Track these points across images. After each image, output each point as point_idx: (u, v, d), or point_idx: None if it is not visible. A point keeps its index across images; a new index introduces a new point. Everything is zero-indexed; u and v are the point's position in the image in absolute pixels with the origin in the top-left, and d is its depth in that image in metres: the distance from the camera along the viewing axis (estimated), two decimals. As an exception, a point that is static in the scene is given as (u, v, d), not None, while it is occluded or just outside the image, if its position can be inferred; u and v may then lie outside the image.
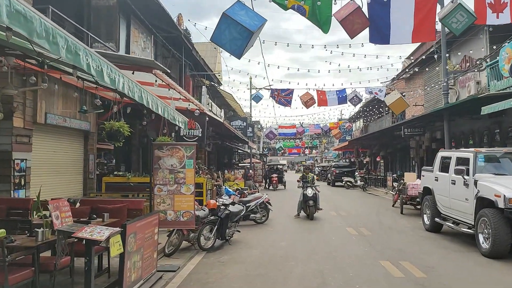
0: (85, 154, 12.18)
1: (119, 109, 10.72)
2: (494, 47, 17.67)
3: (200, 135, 13.37)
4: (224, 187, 13.71)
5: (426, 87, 22.78)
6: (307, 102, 17.92)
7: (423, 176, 11.62)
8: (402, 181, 17.47)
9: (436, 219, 10.36)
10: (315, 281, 6.40)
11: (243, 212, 10.13)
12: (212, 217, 9.03)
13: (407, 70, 26.13)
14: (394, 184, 21.97)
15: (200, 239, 8.58)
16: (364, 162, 45.98)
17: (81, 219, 6.14)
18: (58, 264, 4.76)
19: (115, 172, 13.75)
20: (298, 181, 14.41)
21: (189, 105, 11.30)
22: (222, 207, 9.24)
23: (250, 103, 39.80)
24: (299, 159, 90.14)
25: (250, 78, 38.78)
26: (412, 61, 25.96)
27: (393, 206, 17.22)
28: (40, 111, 9.53)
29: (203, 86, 20.99)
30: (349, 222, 12.61)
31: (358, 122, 43.08)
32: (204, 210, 9.16)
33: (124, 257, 5.18)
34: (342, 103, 18.50)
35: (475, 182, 8.50)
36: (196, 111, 12.22)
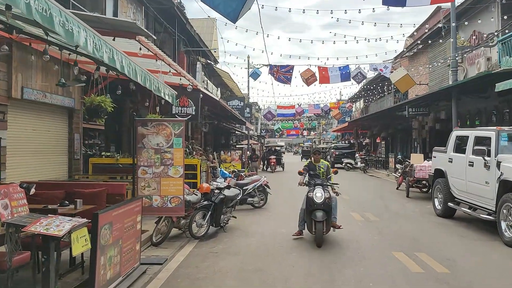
0: (70, 133, 11.25)
1: (105, 85, 9.78)
2: (506, 17, 16.64)
3: (193, 113, 12.41)
4: (219, 169, 12.84)
5: (432, 64, 21.74)
6: (308, 79, 16.90)
7: (435, 157, 10.75)
8: (407, 162, 16.64)
9: (449, 203, 9.53)
10: (320, 278, 5.56)
11: (240, 196, 9.28)
12: (205, 202, 8.17)
13: (412, 47, 25.07)
14: (397, 166, 21.17)
15: (191, 226, 7.74)
16: (364, 143, 45.18)
17: (49, 207, 5.24)
18: (12, 262, 3.89)
19: (103, 153, 12.84)
20: (300, 173, 8.55)
21: (180, 79, 10.32)
22: (216, 191, 8.37)
23: (248, 83, 38.67)
24: (297, 140, 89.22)
25: (248, 56, 37.53)
26: (415, 34, 24.86)
27: (397, 189, 16.42)
28: (15, 85, 8.58)
29: (198, 63, 19.90)
30: (352, 207, 11.80)
31: (358, 102, 42.06)
32: (197, 195, 8.29)
33: (96, 253, 4.31)
34: (345, 80, 17.50)
35: (498, 164, 7.63)
36: (189, 86, 11.23)
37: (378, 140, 41.45)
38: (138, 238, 5.80)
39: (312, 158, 8.43)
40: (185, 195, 7.70)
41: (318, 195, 7.48)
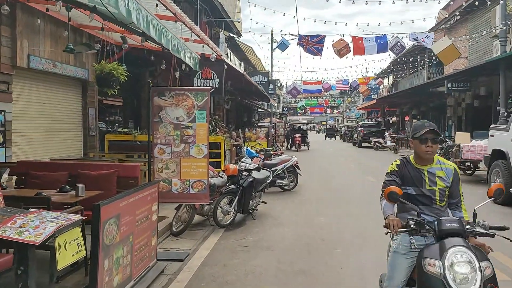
0: (84, 108, 10.39)
1: (120, 56, 8.74)
2: None
3: (217, 86, 11.29)
4: (245, 147, 11.78)
5: (474, 35, 19.92)
6: (341, 50, 15.50)
7: (492, 136, 9.39)
8: (449, 142, 15.23)
9: (511, 189, 8.23)
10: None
11: (270, 179, 8.19)
12: (232, 186, 7.12)
13: (450, 18, 23.11)
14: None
15: (216, 213, 6.72)
16: (391, 122, 43.38)
17: (43, 194, 4.25)
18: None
19: (120, 129, 11.94)
20: (385, 197, 3.02)
21: (203, 47, 9.16)
22: (244, 173, 7.30)
23: (271, 59, 37.34)
24: (319, 119, 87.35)
25: (272, 30, 36.00)
26: (451, 4, 22.84)
27: (437, 170, 15.07)
28: (20, 52, 7.68)
29: (221, 33, 18.65)
30: (394, 191, 10.58)
31: (387, 79, 40.14)
32: (222, 177, 7.24)
33: (98, 258, 3.31)
34: (382, 51, 15.98)
35: None
36: (213, 56, 10.06)
37: (406, 119, 39.66)
38: (154, 230, 4.80)
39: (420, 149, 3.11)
40: (209, 178, 6.66)
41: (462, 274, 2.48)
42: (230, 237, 6.36)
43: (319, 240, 6.15)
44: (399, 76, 37.09)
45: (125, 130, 11.78)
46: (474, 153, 11.83)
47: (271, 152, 11.76)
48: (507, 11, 15.16)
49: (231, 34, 27.46)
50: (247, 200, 7.23)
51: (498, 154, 8.91)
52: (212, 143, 11.75)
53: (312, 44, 15.69)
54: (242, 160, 10.06)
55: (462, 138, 13.17)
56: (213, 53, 10.02)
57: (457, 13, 23.05)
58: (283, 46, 16.72)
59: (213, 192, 6.69)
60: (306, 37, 15.78)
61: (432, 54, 28.20)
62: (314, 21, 33.53)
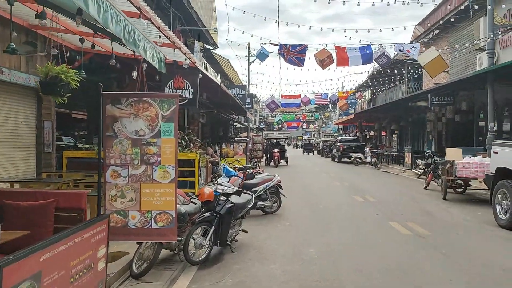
0: (39, 121, 9.09)
1: (80, 62, 7.59)
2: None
3: (191, 96, 10.13)
4: (222, 165, 10.62)
5: (458, 47, 19.46)
6: (324, 61, 14.62)
7: (496, 153, 8.52)
8: (438, 159, 14.44)
9: (523, 213, 7.35)
10: None
11: (252, 204, 7.03)
12: (207, 214, 5.93)
13: (429, 31, 22.71)
14: (418, 162, 19.00)
15: (188, 247, 5.51)
16: (368, 136, 42.97)
17: None
18: None
19: (80, 145, 10.62)
20: None
21: (174, 51, 8.02)
22: (221, 198, 6.13)
23: (248, 72, 36.38)
24: (296, 133, 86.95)
25: (248, 44, 35.17)
26: (424, 22, 22.48)
27: (425, 188, 14.25)
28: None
29: (196, 41, 17.56)
30: (387, 213, 9.58)
31: (365, 93, 39.80)
32: (195, 203, 6.04)
33: None
34: (367, 62, 15.20)
35: None
36: (186, 62, 8.94)
37: (383, 134, 39.28)
38: (101, 283, 3.56)
39: None
40: (179, 205, 5.47)
41: None
42: (205, 278, 5.16)
43: (313, 283, 5.00)
44: (377, 90, 36.75)
45: (87, 146, 10.44)
46: (469, 170, 11.00)
47: (251, 170, 10.63)
48: (494, 21, 14.63)
49: (207, 46, 26.44)
50: (225, 230, 6.05)
51: (504, 173, 8.04)
52: (186, 160, 10.55)
53: (293, 54, 14.76)
54: (218, 181, 8.90)
55: (453, 155, 12.36)
56: (186, 59, 8.90)
57: (435, 28, 22.76)
58: (262, 56, 15.76)
59: (183, 222, 5.49)
60: (287, 47, 14.85)
61: (410, 68, 27.98)
62: (298, 26, 32.95)
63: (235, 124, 41.67)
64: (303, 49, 14.78)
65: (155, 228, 4.42)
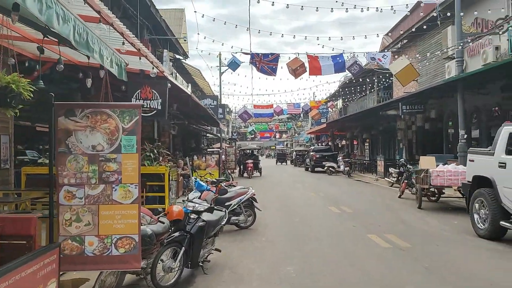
0: (-6, 135, 8.43)
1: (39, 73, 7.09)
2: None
3: (159, 107, 9.66)
4: (193, 178, 10.16)
5: (425, 57, 19.74)
6: (296, 70, 14.43)
7: (472, 161, 8.43)
8: (411, 167, 14.42)
9: (502, 222, 7.22)
10: None
11: (225, 220, 6.61)
12: (176, 234, 5.49)
13: (398, 41, 23.05)
14: (391, 170, 19.03)
15: (155, 270, 5.04)
16: (340, 146, 43.25)
17: None
18: None
19: (40, 160, 9.92)
20: None
21: (140, 59, 7.57)
22: (192, 216, 5.70)
23: (220, 83, 36.02)
24: (269, 143, 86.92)
25: (220, 54, 34.82)
26: (390, 34, 22.84)
27: (400, 197, 14.17)
28: None
29: (165, 51, 17.08)
30: (364, 225, 9.34)
31: (336, 102, 40.09)
32: (163, 222, 5.59)
33: None
34: (339, 71, 15.10)
35: None
36: (153, 71, 8.50)
37: (355, 143, 39.60)
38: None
39: None
40: (145, 225, 5.02)
41: None
42: (174, 305, 4.71)
43: (294, 307, 4.63)
44: (348, 99, 37.06)
45: (47, 161, 9.78)
46: (443, 178, 10.94)
47: (224, 183, 10.21)
48: (463, 30, 14.83)
49: (178, 56, 25.97)
50: (197, 250, 5.61)
51: (481, 182, 7.93)
52: (155, 174, 10.05)
53: (265, 63, 14.51)
54: (189, 197, 8.46)
55: (427, 163, 12.31)
56: (153, 68, 8.45)
57: (404, 38, 23.10)
58: (234, 65, 15.44)
59: (150, 245, 5.02)
60: (259, 56, 14.59)
61: (381, 77, 28.32)
62: (270, 34, 32.77)
63: (208, 135, 41.14)
64: (275, 58, 14.56)
65: (116, 255, 3.93)
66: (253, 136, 62.48)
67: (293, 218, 10.45)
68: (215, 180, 9.80)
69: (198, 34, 55.41)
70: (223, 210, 6.61)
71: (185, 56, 25.62)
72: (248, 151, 29.98)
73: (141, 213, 4.89)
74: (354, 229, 8.91)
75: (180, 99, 14.69)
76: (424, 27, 19.51)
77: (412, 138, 24.69)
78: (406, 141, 25.33)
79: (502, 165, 7.28)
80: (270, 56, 14.53)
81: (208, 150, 32.72)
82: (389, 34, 29.82)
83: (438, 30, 19.04)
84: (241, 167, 27.36)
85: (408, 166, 14.57)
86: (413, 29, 20.94)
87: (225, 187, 10.60)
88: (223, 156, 24.94)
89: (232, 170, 28.78)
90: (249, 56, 14.84)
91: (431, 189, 12.08)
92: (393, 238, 7.86)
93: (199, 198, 8.59)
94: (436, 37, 19.89)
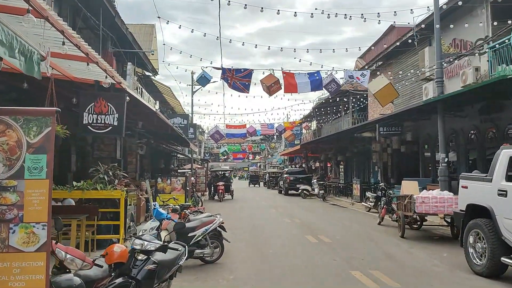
0: None
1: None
2: (496, 23, 14.46)
3: (115, 123, 8.48)
4: (153, 204, 8.95)
5: (401, 79, 19.32)
6: (271, 87, 13.53)
7: (465, 187, 7.59)
8: (392, 192, 13.63)
9: (503, 258, 6.34)
10: None
11: (184, 258, 5.45)
12: (119, 280, 4.30)
13: (372, 63, 22.69)
14: (368, 195, 18.23)
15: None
16: (313, 167, 42.58)
17: None
18: None
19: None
20: None
21: (88, 65, 6.45)
22: (140, 257, 4.54)
23: (192, 102, 34.89)
24: (242, 165, 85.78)
25: (192, 73, 33.82)
26: (364, 57, 22.54)
27: (379, 224, 13.29)
28: None
29: (129, 63, 15.91)
30: (345, 258, 8.31)
31: (311, 123, 39.57)
32: (101, 266, 4.39)
33: None
34: (316, 89, 14.26)
35: None
36: (106, 81, 7.38)
37: (328, 165, 38.99)
38: None
39: None
40: (73, 271, 3.83)
41: None
42: None
43: None
44: (323, 121, 36.59)
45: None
46: (428, 206, 10.08)
47: (188, 210, 9.06)
48: (442, 50, 14.36)
49: (147, 73, 24.82)
50: (145, 300, 4.43)
51: (476, 211, 7.08)
52: (109, 199, 8.80)
53: (237, 79, 13.56)
54: (145, 228, 7.31)
55: (409, 188, 11.51)
56: (106, 77, 7.33)
57: (379, 59, 22.78)
58: (203, 80, 14.40)
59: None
60: (231, 71, 13.64)
61: (356, 98, 27.93)
62: (243, 44, 31.88)
63: (179, 155, 39.70)
64: (248, 73, 13.63)
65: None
66: (225, 157, 61.23)
67: (267, 249, 9.34)
68: (177, 207, 8.62)
69: (164, 44, 54.33)
70: (182, 245, 5.43)
71: (155, 72, 24.47)
72: (219, 172, 28.73)
73: (69, 256, 3.72)
74: (335, 263, 7.87)
75: (146, 116, 13.54)
76: (399, 47, 19.20)
77: (387, 161, 24.16)
78: (381, 164, 24.77)
79: (502, 193, 6.44)
80: (242, 71, 13.62)
81: (179, 171, 31.36)
82: (363, 57, 29.65)
83: (415, 51, 18.69)
84: (212, 189, 26.09)
85: (388, 191, 13.74)
86: (388, 50, 20.62)
87: (191, 213, 9.47)
88: (192, 178, 23.67)
89: (202, 193, 27.48)
90: (220, 71, 13.88)
91: (413, 216, 11.25)
92: (380, 275, 6.85)
93: (157, 229, 7.42)
94: (412, 58, 19.53)
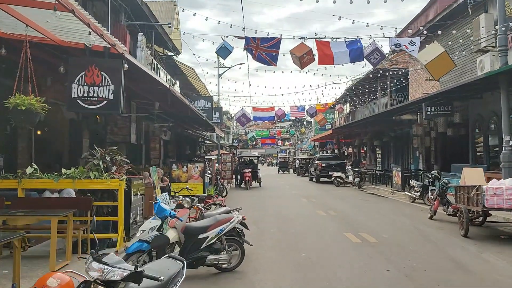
0: None
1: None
2: None
3: (110, 97, 6.87)
4: (161, 195, 7.35)
5: (453, 53, 16.88)
6: (303, 58, 11.59)
7: None
8: (446, 181, 11.58)
9: None
10: None
11: (178, 283, 3.76)
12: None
13: (422, 32, 20.22)
14: (412, 183, 16.15)
15: None
16: (346, 154, 40.36)
17: None
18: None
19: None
20: None
21: (54, 9, 4.79)
22: (98, 289, 2.87)
23: (218, 84, 33.19)
24: (270, 151, 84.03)
25: (218, 55, 32.03)
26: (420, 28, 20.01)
27: (431, 218, 11.29)
28: None
29: (140, 34, 14.28)
30: (401, 267, 6.46)
31: (345, 106, 37.24)
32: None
33: None
34: (355, 60, 12.17)
35: None
36: (90, 40, 5.74)
37: (362, 151, 36.71)
38: None
39: None
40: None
41: None
42: None
43: None
44: (356, 103, 34.27)
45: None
46: (502, 199, 8.05)
47: (201, 205, 7.40)
48: (506, 13, 12.02)
49: (169, 53, 23.26)
50: None
51: None
52: (105, 191, 7.23)
53: (263, 49, 11.69)
54: (138, 233, 5.73)
55: (473, 177, 9.44)
56: (90, 33, 5.68)
57: (424, 30, 20.32)
58: (224, 51, 12.60)
59: None
60: (256, 40, 11.77)
61: (394, 77, 25.52)
62: (268, 34, 29.98)
63: (206, 141, 38.32)
64: (276, 43, 11.70)
65: None
66: (254, 143, 59.55)
67: (299, 252, 7.57)
68: (186, 200, 6.96)
69: (195, 55, 52.64)
70: (172, 267, 3.70)
71: (176, 52, 22.86)
72: (247, 159, 27.05)
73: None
74: (389, 275, 6.03)
75: (162, 95, 11.94)
76: (447, 17, 16.84)
77: (430, 146, 21.85)
78: (423, 149, 22.51)
79: None
80: (270, 41, 11.75)
81: (206, 157, 29.95)
82: (402, 33, 27.05)
83: (465, 22, 16.27)
84: (238, 177, 24.50)
85: (442, 179, 11.65)
86: (435, 21, 18.16)
87: (206, 207, 7.84)
88: (217, 165, 22.15)
89: (229, 180, 25.97)
90: (243, 41, 11.99)
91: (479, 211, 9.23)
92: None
93: (158, 229, 5.80)
94: (462, 29, 17.02)
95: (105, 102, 6.88)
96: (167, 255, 3.96)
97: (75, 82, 6.85)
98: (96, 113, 9.53)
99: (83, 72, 6.84)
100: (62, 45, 6.77)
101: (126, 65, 6.92)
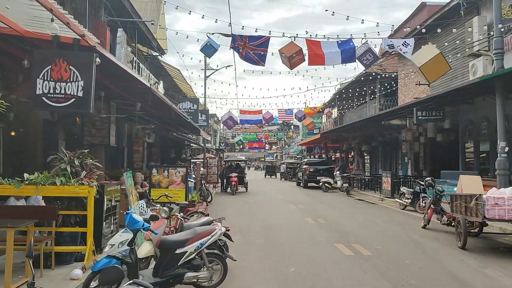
0: None
1: None
2: None
3: (80, 94, 6.17)
4: (135, 205, 6.67)
5: (446, 56, 16.46)
6: (292, 58, 10.99)
7: None
8: (440, 188, 11.08)
9: None
10: None
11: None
12: None
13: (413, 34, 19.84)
14: (403, 190, 15.69)
15: None
16: (333, 158, 39.97)
17: None
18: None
19: None
20: None
21: None
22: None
23: (205, 86, 32.51)
24: (257, 155, 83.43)
25: (205, 56, 31.40)
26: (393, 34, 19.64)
27: (424, 227, 10.79)
28: None
29: (119, 30, 13.54)
30: (400, 283, 5.89)
31: (333, 110, 36.82)
32: None
33: None
34: (347, 61, 11.60)
35: None
36: (54, 27, 5.06)
37: (350, 156, 36.34)
38: None
39: None
40: None
41: None
42: None
43: None
44: (345, 108, 33.89)
45: None
46: (503, 209, 7.54)
47: (181, 214, 6.74)
48: (505, 15, 11.62)
49: (153, 53, 22.47)
50: None
51: None
52: (73, 198, 6.52)
53: (251, 48, 11.08)
54: (106, 248, 5.08)
55: (471, 185, 8.93)
56: (52, 19, 4.99)
57: (415, 34, 19.93)
58: (209, 49, 11.93)
59: None
60: (244, 39, 11.15)
61: (384, 82, 25.17)
62: (256, 30, 29.21)
63: (192, 145, 37.50)
64: (264, 41, 11.09)
65: None
66: (241, 146, 58.85)
67: (287, 266, 6.94)
68: (166, 209, 6.28)
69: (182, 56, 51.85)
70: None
71: (161, 52, 22.08)
72: (233, 163, 26.38)
73: None
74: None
75: (142, 95, 11.23)
76: (438, 20, 16.48)
77: (419, 152, 21.50)
78: (412, 154, 22.15)
79: None
80: (258, 40, 11.15)
81: (192, 160, 29.10)
82: (392, 37, 26.78)
83: (457, 25, 15.91)
84: (224, 181, 23.81)
85: (437, 187, 11.15)
86: (426, 23, 17.78)
87: (185, 218, 7.18)
88: (202, 169, 21.46)
89: (214, 185, 25.25)
90: (230, 39, 11.36)
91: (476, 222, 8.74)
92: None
93: (129, 243, 5.13)
94: (452, 35, 16.65)
95: (73, 99, 6.17)
96: (131, 281, 3.30)
97: (40, 77, 6.13)
98: (63, 112, 8.77)
99: (49, 66, 6.13)
100: (26, 35, 6.06)
101: (98, 59, 6.23)
